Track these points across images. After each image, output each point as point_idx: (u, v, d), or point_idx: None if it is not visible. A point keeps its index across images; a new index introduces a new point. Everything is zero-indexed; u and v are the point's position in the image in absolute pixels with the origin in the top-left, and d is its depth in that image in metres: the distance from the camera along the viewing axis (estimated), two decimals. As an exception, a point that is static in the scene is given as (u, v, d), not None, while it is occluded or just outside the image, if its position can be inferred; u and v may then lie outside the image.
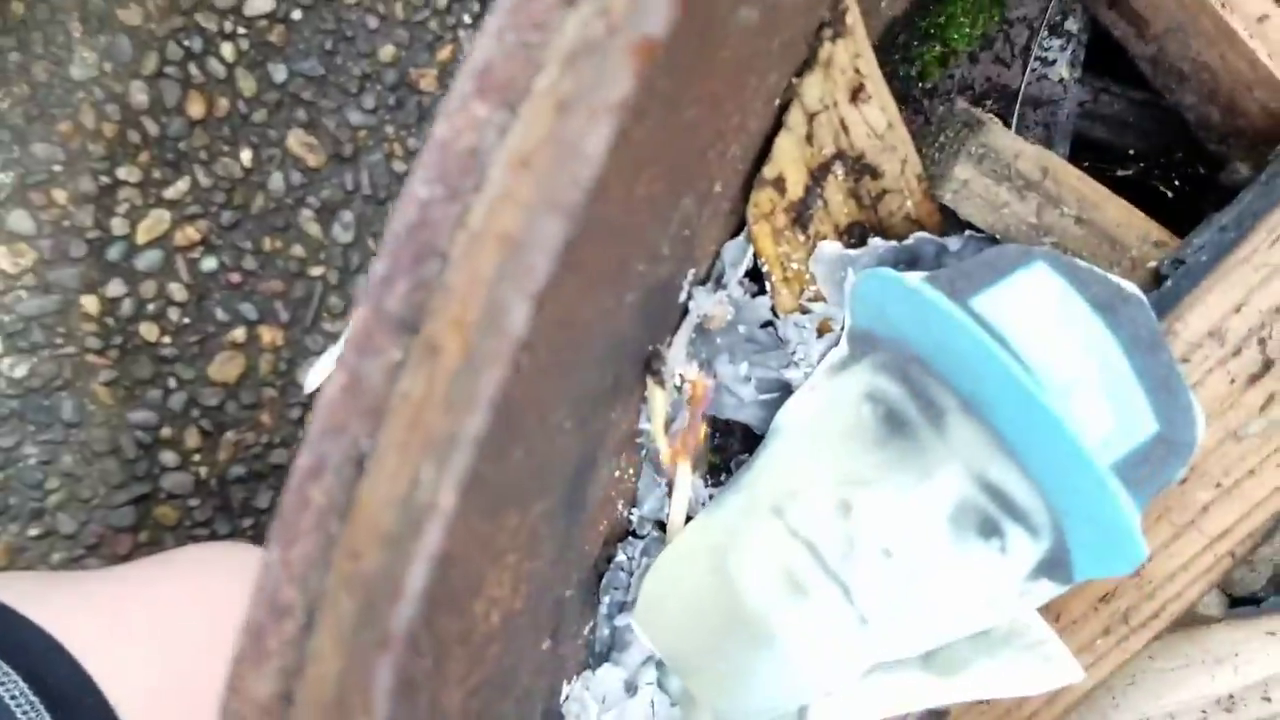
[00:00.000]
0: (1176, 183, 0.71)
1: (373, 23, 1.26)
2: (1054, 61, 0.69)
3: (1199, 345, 0.59)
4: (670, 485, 0.64)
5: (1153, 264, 0.62)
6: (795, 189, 0.58)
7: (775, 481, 0.61)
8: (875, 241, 0.61)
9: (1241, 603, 0.69)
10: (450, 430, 0.32)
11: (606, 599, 0.63)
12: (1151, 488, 0.56)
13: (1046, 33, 0.68)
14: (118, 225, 1.22)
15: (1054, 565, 0.57)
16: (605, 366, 0.51)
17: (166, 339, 1.24)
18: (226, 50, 1.23)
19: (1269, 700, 0.66)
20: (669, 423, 0.62)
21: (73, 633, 0.61)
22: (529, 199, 0.32)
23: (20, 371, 1.22)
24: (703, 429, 0.62)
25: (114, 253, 1.22)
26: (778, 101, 0.56)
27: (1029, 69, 0.66)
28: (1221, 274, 0.58)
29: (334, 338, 1.26)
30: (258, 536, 1.26)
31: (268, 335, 1.25)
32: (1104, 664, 0.62)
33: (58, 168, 1.22)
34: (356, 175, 1.26)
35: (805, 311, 0.62)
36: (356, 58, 1.26)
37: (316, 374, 1.25)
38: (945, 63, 0.66)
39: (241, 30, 1.23)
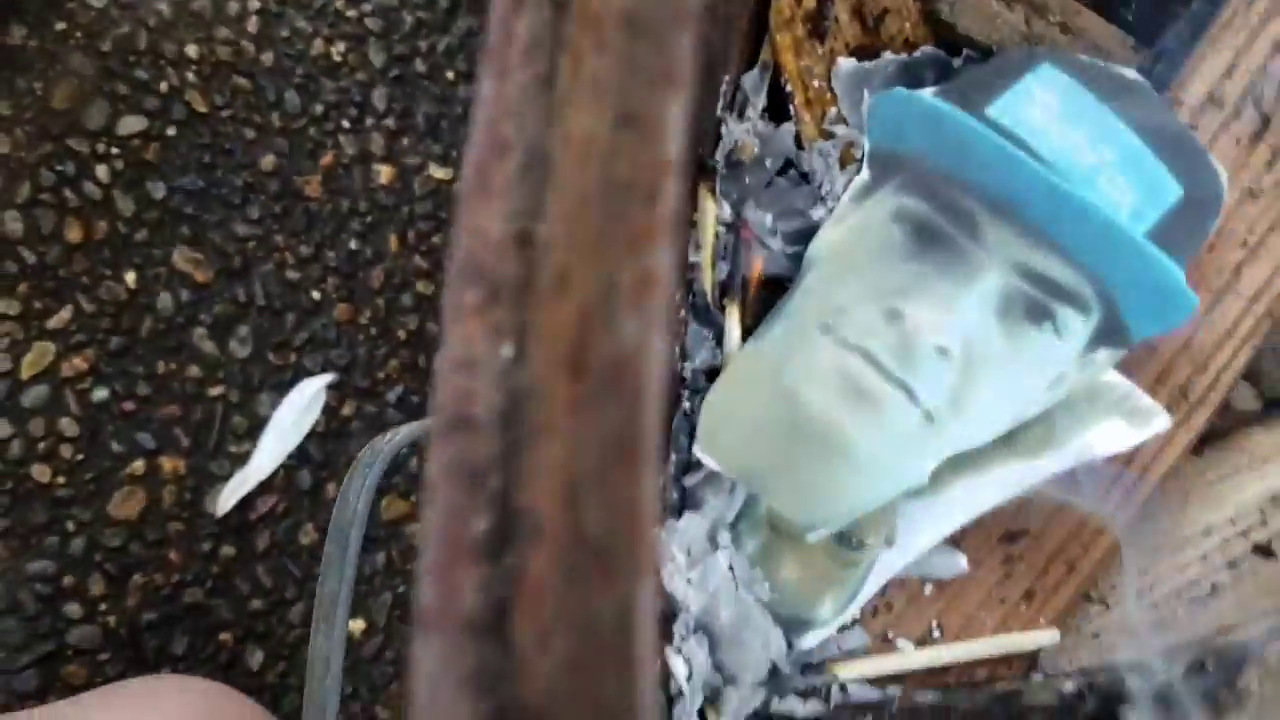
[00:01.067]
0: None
1: (249, 134, 1.25)
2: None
3: (1201, 112, 0.61)
4: (716, 335, 0.62)
5: (1133, 65, 0.64)
6: (810, -1, 0.60)
7: (818, 304, 0.60)
8: (888, 55, 0.62)
9: (1275, 404, 0.69)
10: None
11: (673, 456, 0.60)
12: (1191, 245, 0.58)
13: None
14: (-1, 362, 1.16)
15: (1109, 333, 0.58)
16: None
17: (60, 479, 1.16)
18: (101, 172, 1.20)
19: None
20: (715, 257, 0.61)
21: None
22: None
23: (-100, 529, 1.12)
24: (756, 271, 0.61)
25: (-4, 391, 1.15)
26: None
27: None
28: (1209, 41, 0.61)
29: (240, 459, 1.20)
30: (178, 681, 1.16)
31: (168, 464, 1.19)
32: (1174, 447, 0.62)
33: (-71, 309, 1.15)
34: (249, 287, 1.23)
35: (829, 137, 0.62)
36: (236, 169, 1.24)
37: (227, 497, 1.18)
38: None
39: (115, 150, 1.21)
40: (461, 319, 0.33)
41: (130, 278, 1.19)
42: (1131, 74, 0.59)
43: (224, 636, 1.17)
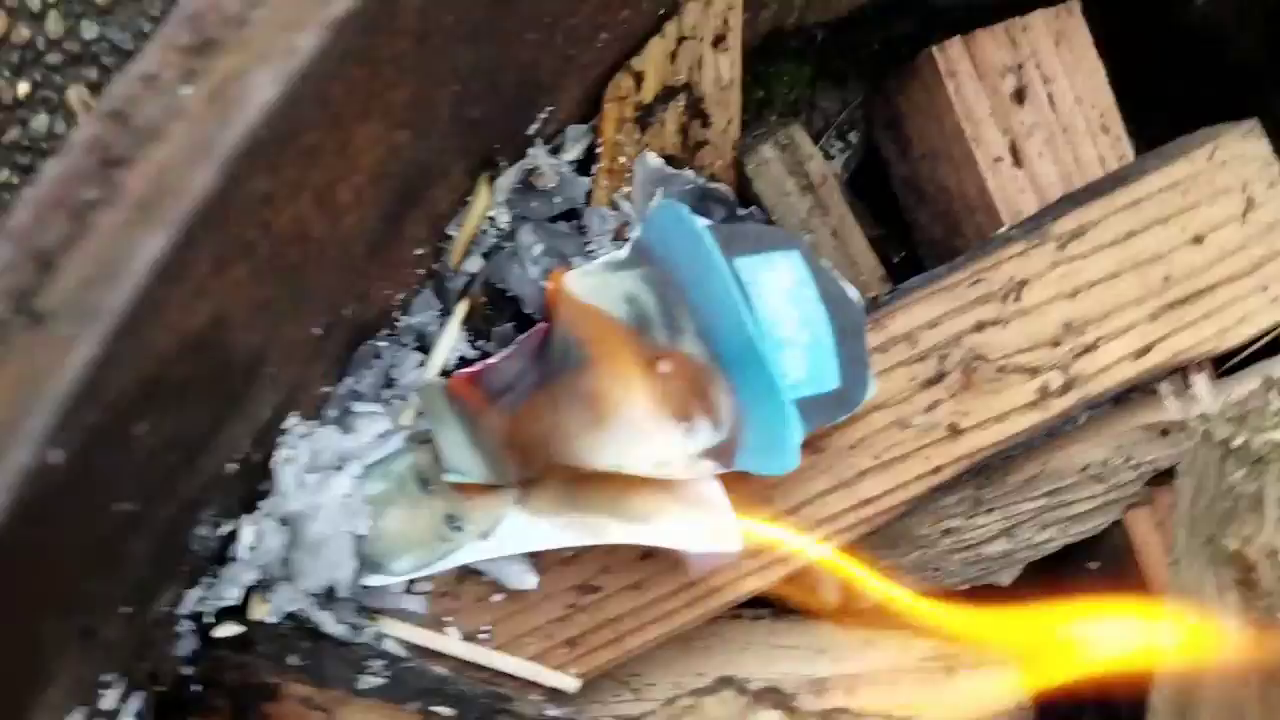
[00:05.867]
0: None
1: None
2: (833, 159, 0.85)
3: (895, 342, 0.72)
4: (442, 312, 0.71)
5: (874, 294, 0.76)
6: (648, 93, 0.70)
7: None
8: (689, 173, 0.73)
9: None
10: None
11: (350, 379, 0.68)
12: (819, 420, 0.69)
13: (835, 133, 0.85)
14: None
15: (720, 454, 0.68)
16: (468, 108, 0.61)
17: None
18: (50, -11, 1.27)
19: (852, 693, 0.76)
20: (473, 239, 0.70)
21: None
22: None
23: None
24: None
25: None
26: (662, 11, 0.69)
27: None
28: (927, 294, 0.72)
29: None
30: None
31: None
32: (744, 583, 0.71)
33: None
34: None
35: (614, 208, 0.72)
36: (167, 52, 1.31)
37: None
38: (760, 111, 0.81)
39: (71, -20, 1.28)
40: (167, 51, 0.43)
41: (22, 88, 1.25)
42: (855, 293, 0.71)
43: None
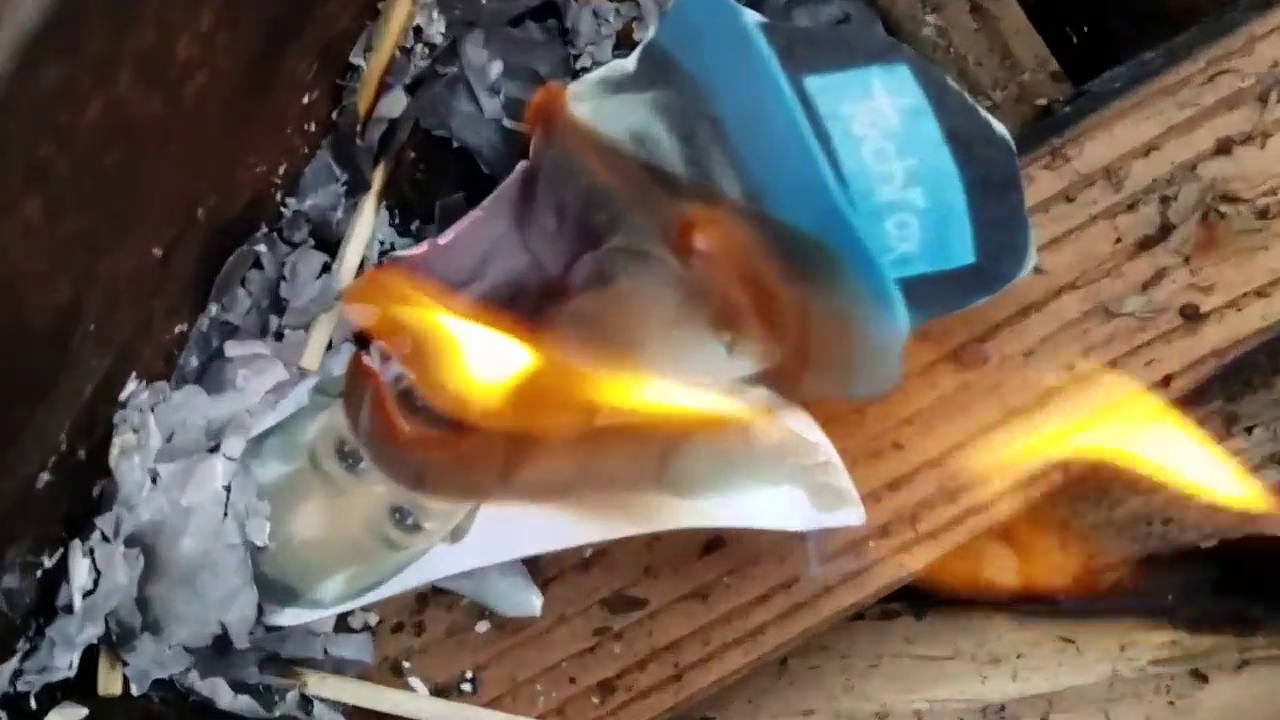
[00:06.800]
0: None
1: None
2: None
3: (1087, 183, 0.48)
4: (349, 185, 0.47)
5: (1043, 101, 0.52)
6: None
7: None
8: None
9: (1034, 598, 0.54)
10: None
11: (215, 307, 0.45)
12: (943, 307, 0.47)
13: None
14: None
15: (783, 376, 0.45)
16: None
17: None
18: None
19: (1048, 721, 0.52)
20: (390, 67, 0.45)
21: None
22: None
23: None
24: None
25: None
26: None
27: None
28: (1137, 102, 0.48)
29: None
30: None
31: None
32: (871, 578, 0.47)
33: None
34: None
35: (617, -1, 0.48)
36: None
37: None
38: None
39: None
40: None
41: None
42: (1001, 130, 0.46)
43: None
